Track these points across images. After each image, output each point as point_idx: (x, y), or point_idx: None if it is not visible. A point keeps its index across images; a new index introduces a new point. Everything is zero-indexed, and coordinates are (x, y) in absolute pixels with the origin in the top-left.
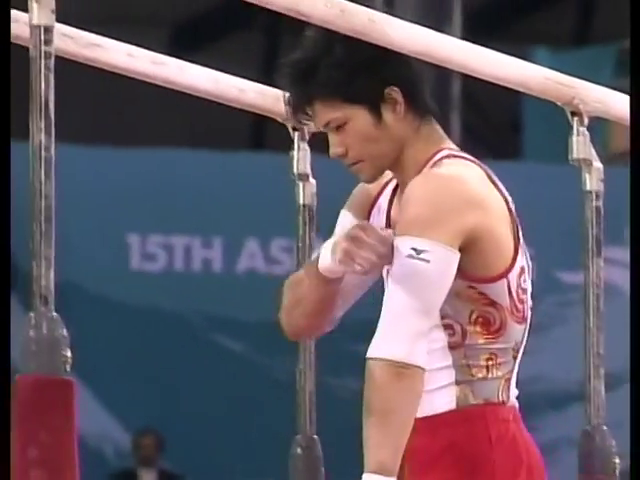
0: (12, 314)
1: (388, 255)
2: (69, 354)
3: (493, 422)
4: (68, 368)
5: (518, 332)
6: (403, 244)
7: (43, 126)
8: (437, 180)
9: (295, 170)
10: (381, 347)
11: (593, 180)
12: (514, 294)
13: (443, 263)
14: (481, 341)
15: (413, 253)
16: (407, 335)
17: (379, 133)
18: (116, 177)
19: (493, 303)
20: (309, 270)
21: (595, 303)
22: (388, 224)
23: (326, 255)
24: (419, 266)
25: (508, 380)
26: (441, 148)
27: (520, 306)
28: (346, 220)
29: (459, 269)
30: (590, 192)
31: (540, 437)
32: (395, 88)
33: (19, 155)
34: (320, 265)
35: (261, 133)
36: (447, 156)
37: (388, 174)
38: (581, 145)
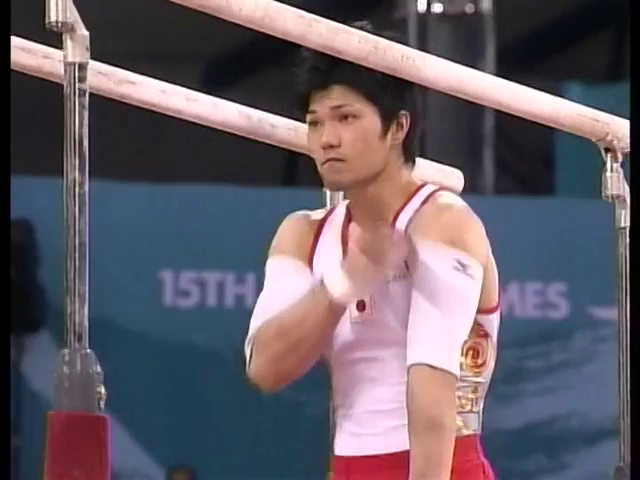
0: (45, 351)
1: (404, 248)
2: (103, 390)
3: (482, 453)
4: (102, 405)
5: (492, 370)
6: (447, 253)
7: (77, 163)
8: (462, 207)
9: (328, 206)
10: (440, 357)
11: (627, 217)
12: (497, 329)
13: (480, 284)
14: (469, 373)
15: (458, 266)
16: (457, 349)
17: (377, 145)
18: (149, 213)
19: (486, 335)
20: (315, 308)
21: (629, 339)
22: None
23: (337, 283)
24: (466, 281)
25: (482, 414)
26: (425, 183)
27: (496, 344)
28: (283, 264)
29: None
30: (624, 228)
31: (573, 473)
32: (407, 114)
33: (54, 191)
34: (336, 294)
35: (293, 169)
36: (443, 188)
37: (319, 214)
38: (615, 181)
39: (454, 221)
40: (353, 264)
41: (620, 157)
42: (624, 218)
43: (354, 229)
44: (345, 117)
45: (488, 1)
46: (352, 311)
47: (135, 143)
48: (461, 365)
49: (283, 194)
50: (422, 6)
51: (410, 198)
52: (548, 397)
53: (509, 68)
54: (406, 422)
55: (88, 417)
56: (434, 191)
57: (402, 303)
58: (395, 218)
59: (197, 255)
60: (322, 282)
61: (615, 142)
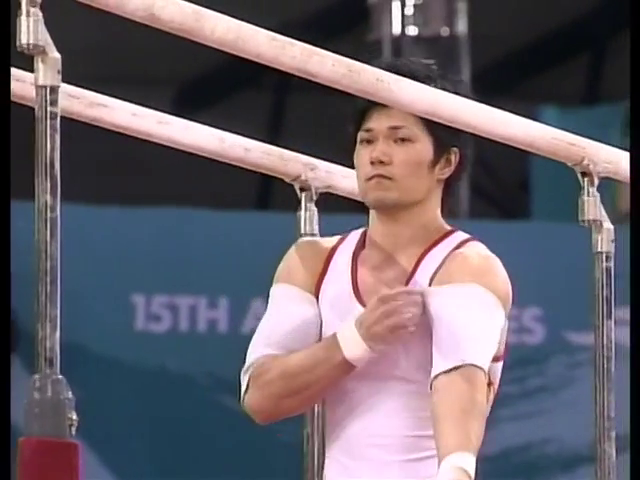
0: (15, 377)
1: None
2: (74, 416)
3: None
4: (73, 431)
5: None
6: (499, 307)
7: (48, 187)
8: (494, 258)
9: (302, 231)
10: (482, 359)
11: (604, 241)
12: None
13: (504, 327)
14: None
15: (489, 299)
16: (489, 350)
17: (425, 173)
18: (121, 237)
19: (490, 384)
20: (327, 360)
21: (605, 365)
22: (355, 289)
23: (352, 345)
24: (500, 318)
25: None
26: (456, 229)
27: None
28: (287, 292)
29: None
30: (600, 253)
31: None
32: (457, 152)
33: (24, 215)
34: (349, 355)
35: (267, 193)
36: (474, 239)
37: (330, 242)
38: (592, 206)
39: (486, 268)
40: (370, 326)
41: (596, 181)
42: (601, 243)
43: (367, 257)
44: (401, 139)
45: (463, 24)
46: None
47: (106, 166)
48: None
49: (256, 218)
50: (397, 29)
51: (442, 239)
52: (524, 423)
53: (484, 91)
54: (400, 458)
55: (59, 443)
56: (466, 240)
57: (412, 337)
58: (424, 255)
59: (169, 279)
60: (336, 337)
61: (591, 166)
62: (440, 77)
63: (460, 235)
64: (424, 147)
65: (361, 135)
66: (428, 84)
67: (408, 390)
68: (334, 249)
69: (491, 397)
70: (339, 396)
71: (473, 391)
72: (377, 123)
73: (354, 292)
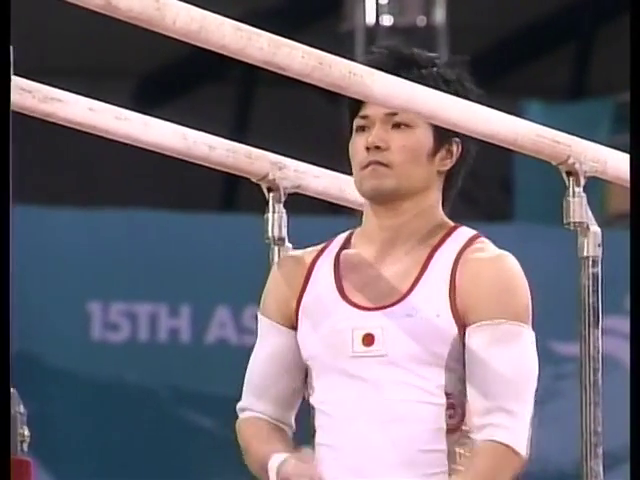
0: None
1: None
2: (26, 432)
3: None
4: (25, 447)
5: None
6: (528, 333)
7: None
8: (508, 260)
9: (270, 234)
10: (523, 445)
11: (590, 245)
12: None
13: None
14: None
15: (534, 348)
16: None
17: (424, 161)
18: (75, 240)
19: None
20: (266, 474)
21: (592, 377)
22: (340, 288)
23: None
24: (536, 363)
25: None
26: (460, 224)
27: None
28: (265, 326)
29: None
30: (587, 258)
31: None
32: (459, 143)
33: None
34: None
35: (232, 193)
36: (479, 236)
37: (313, 252)
38: (577, 207)
39: (505, 285)
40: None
41: (583, 181)
42: (587, 246)
43: (355, 254)
44: (398, 125)
45: (441, 13)
46: (354, 343)
47: (57, 164)
48: (466, 421)
49: (220, 220)
50: (371, 18)
51: (447, 235)
52: None
53: (471, 83)
54: (396, 473)
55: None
56: (474, 237)
57: (423, 341)
58: (432, 254)
59: (127, 286)
60: (271, 460)
61: (577, 165)
62: (443, 65)
63: (466, 231)
64: (423, 134)
65: (357, 122)
66: (427, 70)
67: (415, 397)
68: (316, 258)
69: None
70: (331, 404)
71: (503, 472)
72: (373, 109)
73: (338, 291)
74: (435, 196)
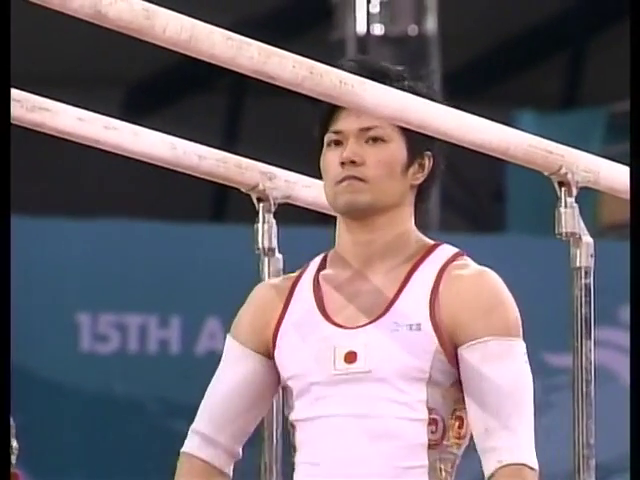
0: None
1: None
2: (15, 444)
3: None
4: (14, 459)
5: (466, 445)
6: (518, 346)
7: None
8: (498, 280)
9: (260, 244)
10: (533, 458)
11: (582, 255)
12: None
13: None
14: (452, 445)
15: (526, 359)
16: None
17: (399, 175)
18: (64, 251)
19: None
20: None
21: (584, 388)
22: (321, 307)
23: None
24: (530, 374)
25: None
26: (440, 242)
27: None
28: (233, 349)
29: (457, 362)
30: (579, 268)
31: None
32: (431, 156)
33: None
34: None
35: (222, 204)
36: (463, 254)
37: (291, 277)
38: (569, 218)
39: (508, 304)
40: None
41: (575, 191)
42: (579, 257)
43: (332, 275)
44: (373, 139)
45: (433, 22)
46: (336, 362)
47: (46, 174)
48: (449, 433)
49: (210, 231)
50: (362, 27)
51: (429, 252)
52: None
53: (455, 94)
54: None
55: None
56: (457, 254)
57: (405, 355)
58: (413, 270)
59: (117, 296)
60: None
61: (569, 175)
62: (412, 78)
63: (448, 248)
64: (398, 148)
65: (328, 137)
66: (399, 84)
67: (401, 415)
68: (295, 282)
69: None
70: (312, 424)
71: None
72: (346, 124)
73: (320, 312)
74: (408, 210)
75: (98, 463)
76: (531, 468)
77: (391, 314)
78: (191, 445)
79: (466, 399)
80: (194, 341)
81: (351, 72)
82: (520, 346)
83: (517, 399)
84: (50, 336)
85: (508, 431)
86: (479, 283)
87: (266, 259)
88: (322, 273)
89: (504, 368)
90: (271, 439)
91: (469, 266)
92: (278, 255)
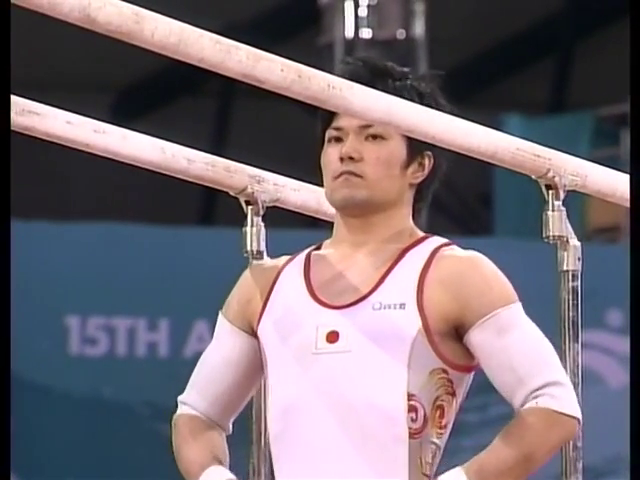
0: None
1: None
2: None
3: None
4: None
5: (448, 435)
6: (520, 307)
7: None
8: (486, 258)
9: (248, 247)
10: (577, 408)
11: (570, 259)
12: (465, 392)
13: None
14: (433, 434)
15: (527, 317)
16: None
17: (397, 173)
18: (53, 253)
19: (454, 394)
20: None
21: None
22: (312, 293)
23: None
24: (536, 327)
25: None
26: (430, 234)
27: (458, 409)
28: (222, 326)
29: (442, 349)
30: (567, 272)
31: None
32: (431, 156)
33: None
34: None
35: (211, 207)
36: (452, 243)
37: (281, 260)
38: (557, 221)
39: (498, 276)
40: None
41: (562, 195)
42: (567, 260)
43: (319, 256)
44: (373, 136)
45: (420, 26)
46: (317, 341)
47: (34, 177)
48: (430, 422)
49: (199, 234)
50: (350, 31)
51: (420, 241)
52: None
53: (443, 98)
54: (354, 471)
55: None
56: (447, 243)
57: (387, 335)
58: (403, 253)
59: (105, 299)
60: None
61: (557, 179)
62: (416, 78)
63: (438, 238)
64: (397, 145)
65: (329, 133)
66: (402, 83)
67: (383, 399)
68: (285, 264)
69: (454, 411)
70: (292, 410)
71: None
72: (347, 121)
73: (308, 291)
74: (406, 209)
75: (87, 465)
76: (574, 417)
77: (377, 294)
78: (182, 410)
79: (493, 376)
80: (183, 344)
81: (355, 71)
82: (520, 308)
83: (545, 354)
84: (39, 339)
85: (554, 385)
86: (475, 263)
87: (254, 262)
88: (314, 254)
89: (520, 332)
90: (259, 441)
91: (459, 250)
92: (266, 258)
